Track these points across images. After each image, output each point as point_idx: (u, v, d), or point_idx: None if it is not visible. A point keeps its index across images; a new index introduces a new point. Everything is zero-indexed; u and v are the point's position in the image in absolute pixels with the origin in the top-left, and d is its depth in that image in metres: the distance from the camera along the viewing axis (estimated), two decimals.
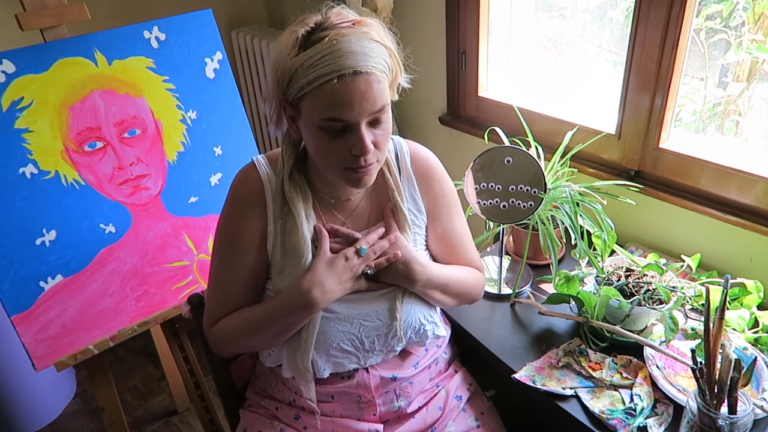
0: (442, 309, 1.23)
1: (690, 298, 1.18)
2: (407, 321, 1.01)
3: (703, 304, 1.18)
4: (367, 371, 1.05)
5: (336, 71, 0.80)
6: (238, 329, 1.00)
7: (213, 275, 1.03)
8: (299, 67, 0.82)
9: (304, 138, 0.92)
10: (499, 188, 1.18)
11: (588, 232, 1.22)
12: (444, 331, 1.11)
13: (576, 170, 1.36)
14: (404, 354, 1.08)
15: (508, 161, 1.16)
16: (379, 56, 0.84)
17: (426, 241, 1.08)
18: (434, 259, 1.10)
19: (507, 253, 1.39)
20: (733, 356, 0.82)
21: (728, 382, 0.82)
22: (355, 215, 1.03)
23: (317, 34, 0.84)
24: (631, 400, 1.00)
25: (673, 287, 1.13)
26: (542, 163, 1.19)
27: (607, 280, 1.17)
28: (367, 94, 0.82)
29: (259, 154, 1.05)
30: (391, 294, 1.00)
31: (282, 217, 0.98)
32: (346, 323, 0.98)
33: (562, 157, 1.30)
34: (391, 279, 1.00)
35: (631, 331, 1.09)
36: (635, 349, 1.09)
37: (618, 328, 1.08)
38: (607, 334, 1.12)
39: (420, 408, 1.10)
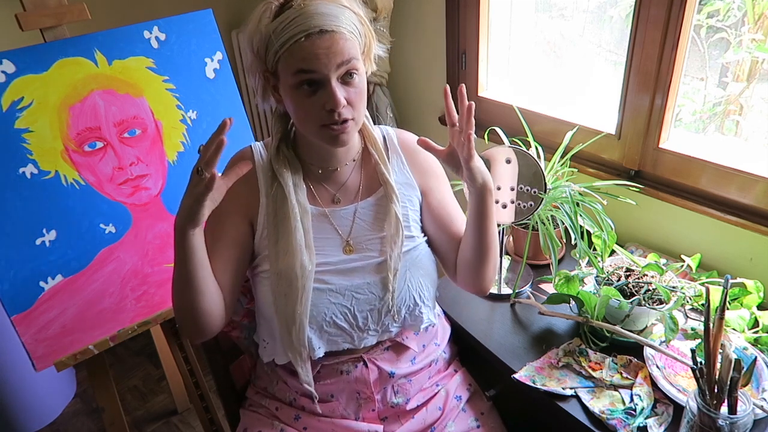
0: (442, 309, 1.23)
1: (690, 298, 1.18)
2: (400, 297, 1.02)
3: (703, 304, 1.18)
4: (366, 366, 1.05)
5: (303, 31, 0.86)
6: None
7: None
8: (272, 33, 0.89)
9: (286, 105, 0.96)
10: (499, 188, 1.18)
11: (588, 232, 1.22)
12: (436, 318, 1.12)
13: (576, 170, 1.36)
14: (400, 349, 1.08)
15: (508, 161, 1.16)
16: (347, 19, 0.89)
17: (421, 221, 1.09)
18: (430, 239, 1.09)
19: (507, 253, 1.39)
20: (733, 356, 0.82)
21: (728, 382, 0.82)
22: (345, 188, 1.05)
23: (288, 3, 0.89)
24: (631, 400, 1.00)
25: (673, 287, 1.13)
26: (542, 163, 1.19)
27: (607, 280, 1.17)
28: (333, 48, 0.87)
29: None
30: (383, 266, 1.01)
31: (273, 191, 1.01)
32: (338, 295, 0.99)
33: (562, 157, 1.30)
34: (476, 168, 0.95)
35: (631, 331, 1.09)
36: (635, 349, 1.09)
37: (618, 328, 1.08)
38: (607, 334, 1.12)
39: (419, 407, 1.10)
